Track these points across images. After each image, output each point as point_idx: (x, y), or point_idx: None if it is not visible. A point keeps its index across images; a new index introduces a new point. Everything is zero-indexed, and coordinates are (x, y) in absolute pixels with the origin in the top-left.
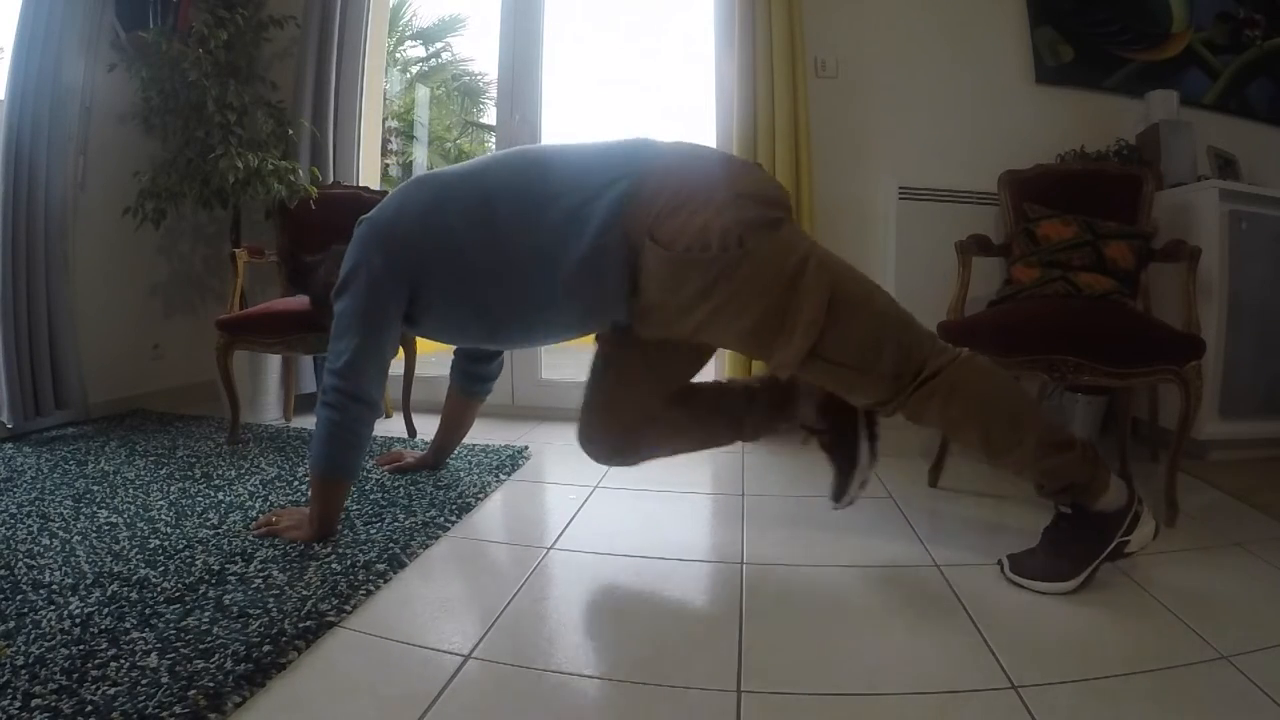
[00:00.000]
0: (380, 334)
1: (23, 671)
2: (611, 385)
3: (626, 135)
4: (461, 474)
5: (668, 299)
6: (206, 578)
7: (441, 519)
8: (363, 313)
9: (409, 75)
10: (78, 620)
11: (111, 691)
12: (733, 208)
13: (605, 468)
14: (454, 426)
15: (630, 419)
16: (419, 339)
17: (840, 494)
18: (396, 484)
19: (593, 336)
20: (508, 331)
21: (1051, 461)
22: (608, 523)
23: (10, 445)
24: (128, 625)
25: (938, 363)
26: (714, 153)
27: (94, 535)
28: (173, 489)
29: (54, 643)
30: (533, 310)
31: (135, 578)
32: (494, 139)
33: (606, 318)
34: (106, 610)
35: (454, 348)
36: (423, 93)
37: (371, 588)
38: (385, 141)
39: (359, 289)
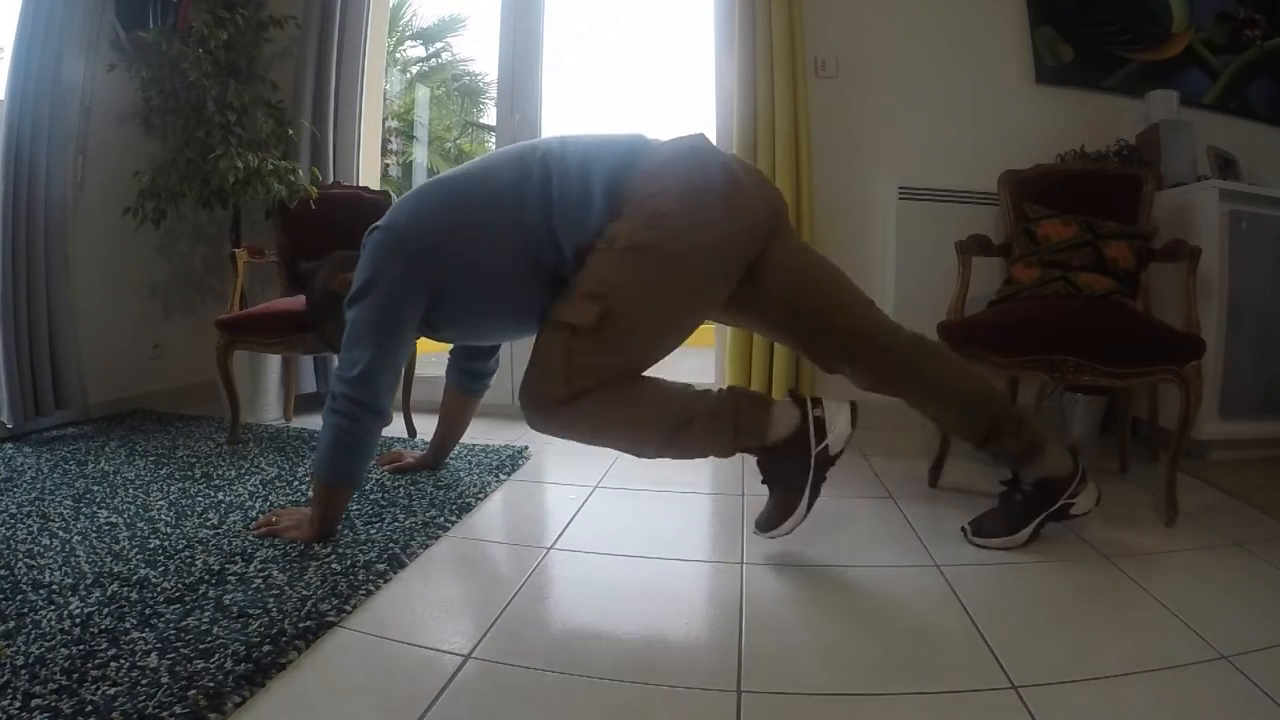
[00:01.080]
0: (396, 345)
1: (23, 671)
2: None
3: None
4: (461, 474)
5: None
6: (206, 578)
7: (441, 519)
8: (379, 323)
9: (409, 75)
10: (78, 620)
11: (111, 691)
12: (647, 227)
13: (605, 468)
14: (452, 425)
15: None
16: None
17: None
18: (396, 484)
19: None
20: (528, 327)
21: (678, 444)
22: (608, 523)
23: (10, 445)
24: (128, 625)
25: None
26: (689, 172)
27: (94, 535)
28: (173, 489)
29: (54, 643)
30: (551, 299)
31: (135, 578)
32: (494, 139)
33: None
34: (106, 610)
35: (450, 345)
36: (423, 93)
37: (371, 588)
38: (385, 141)
39: (376, 299)
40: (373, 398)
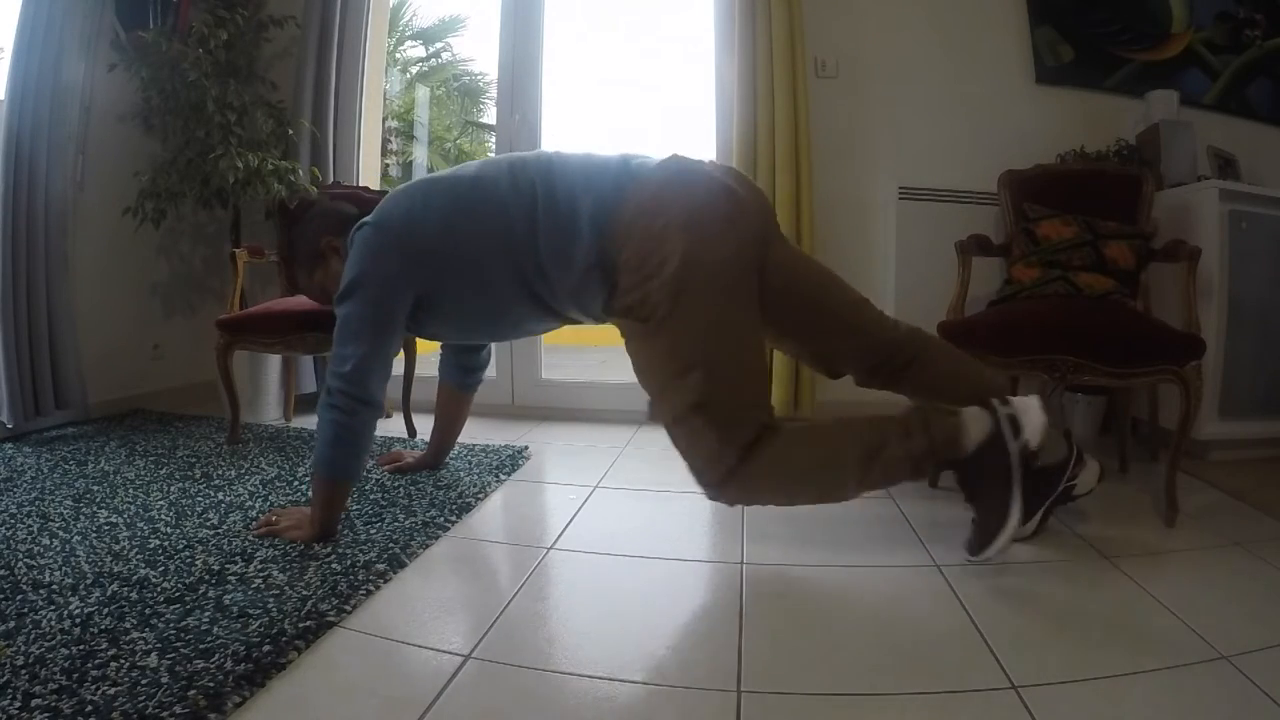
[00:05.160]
0: (388, 340)
1: (23, 671)
2: None
3: (614, 153)
4: (461, 474)
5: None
6: (206, 578)
7: (441, 519)
8: (371, 320)
9: (409, 75)
10: (78, 620)
11: (111, 691)
12: (672, 280)
13: (605, 468)
14: (449, 423)
15: None
16: (419, 339)
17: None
18: (396, 484)
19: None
20: (512, 331)
21: (879, 470)
22: (608, 523)
23: (10, 445)
24: (128, 625)
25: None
26: (685, 193)
27: (94, 535)
28: (173, 489)
29: (54, 643)
30: (535, 313)
31: (135, 578)
32: (494, 139)
33: (593, 316)
34: (106, 610)
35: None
36: (423, 93)
37: (371, 588)
38: (385, 141)
39: (368, 295)
40: (366, 392)
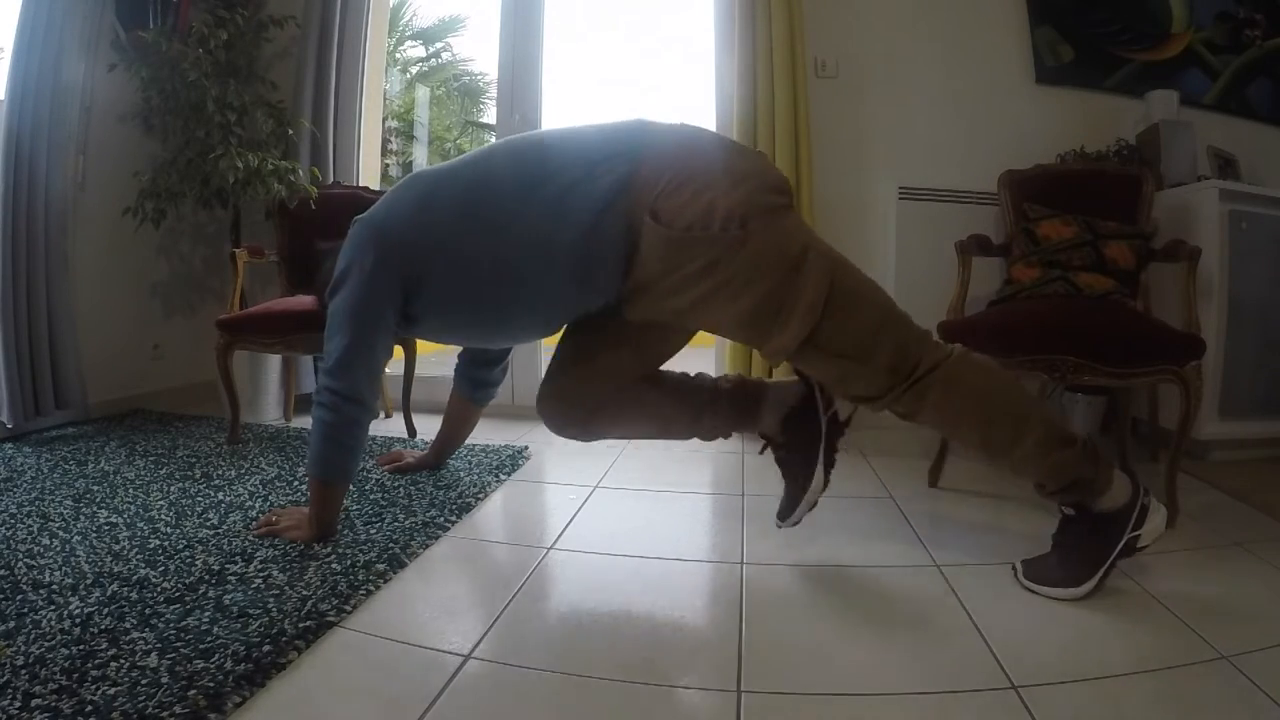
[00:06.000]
0: (371, 333)
1: (23, 671)
2: (585, 350)
3: (625, 118)
4: (461, 474)
5: (664, 278)
6: (206, 578)
7: (441, 519)
8: (354, 311)
9: (409, 75)
10: (78, 620)
11: (111, 691)
12: (737, 190)
13: (605, 468)
14: (456, 429)
15: (595, 388)
16: (419, 339)
17: (786, 513)
18: (396, 484)
19: None
20: (506, 325)
21: (1054, 459)
22: (608, 523)
23: (10, 445)
24: (128, 625)
25: (934, 358)
26: (716, 136)
27: (94, 535)
28: (173, 489)
29: (54, 643)
30: (529, 295)
31: (135, 578)
32: (494, 139)
33: (601, 298)
34: (106, 610)
35: (458, 350)
36: (423, 93)
37: (371, 588)
38: (385, 141)
39: (351, 288)
40: (350, 387)
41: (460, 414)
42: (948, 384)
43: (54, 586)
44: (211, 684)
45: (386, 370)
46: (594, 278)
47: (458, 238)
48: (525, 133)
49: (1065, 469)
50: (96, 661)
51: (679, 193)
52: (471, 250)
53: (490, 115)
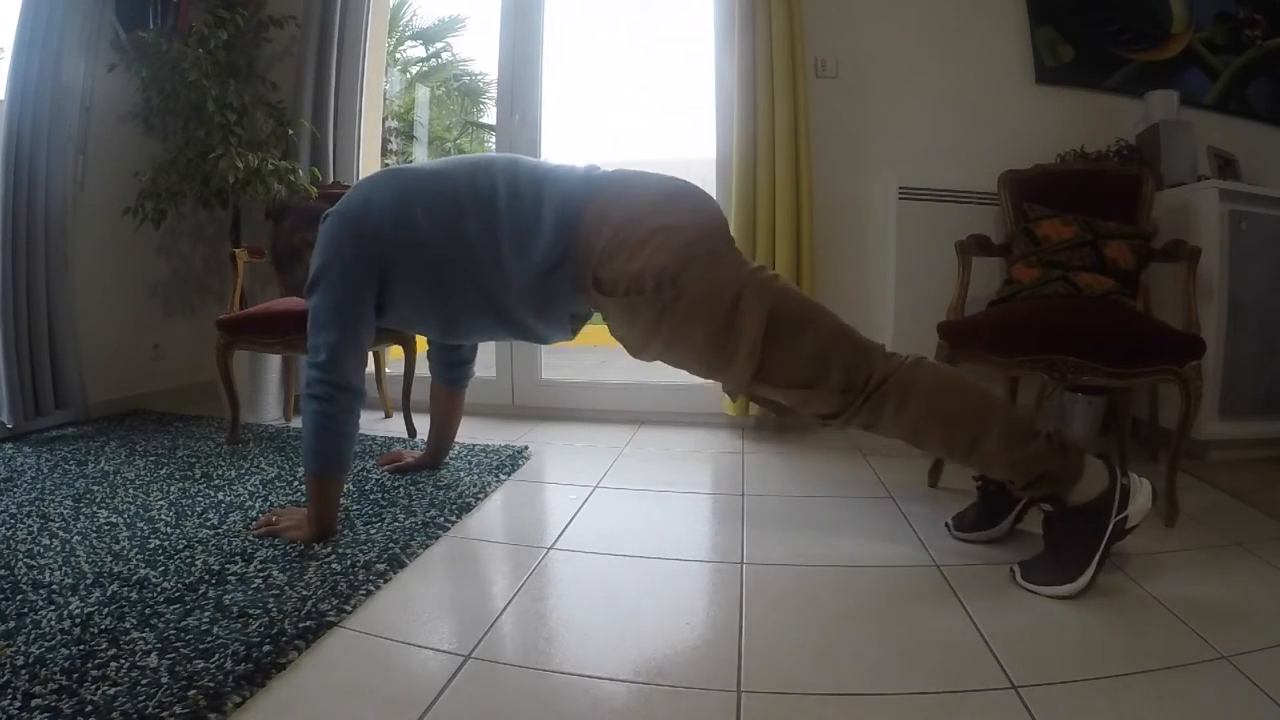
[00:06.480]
0: (358, 325)
1: (23, 671)
2: None
3: (576, 164)
4: (461, 474)
5: (626, 333)
6: (206, 578)
7: (441, 519)
8: (339, 307)
9: (409, 75)
10: (78, 620)
11: (111, 691)
12: (671, 244)
13: (605, 468)
14: (444, 420)
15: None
16: (419, 338)
17: (964, 527)
18: (396, 484)
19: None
20: (465, 329)
21: (1018, 455)
22: (608, 523)
23: (10, 445)
24: (128, 625)
25: (885, 370)
26: (652, 184)
27: (94, 535)
28: (173, 489)
29: (54, 643)
30: (493, 308)
31: (135, 578)
32: (494, 139)
33: (558, 332)
34: (106, 610)
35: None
36: (423, 93)
37: (371, 588)
38: (385, 141)
39: (333, 283)
40: (342, 377)
41: (444, 404)
42: (902, 393)
43: (54, 586)
44: (211, 684)
45: (386, 370)
46: (550, 312)
47: (429, 242)
48: (495, 155)
49: (1032, 463)
50: (96, 661)
51: (615, 259)
52: (438, 256)
53: (490, 115)
